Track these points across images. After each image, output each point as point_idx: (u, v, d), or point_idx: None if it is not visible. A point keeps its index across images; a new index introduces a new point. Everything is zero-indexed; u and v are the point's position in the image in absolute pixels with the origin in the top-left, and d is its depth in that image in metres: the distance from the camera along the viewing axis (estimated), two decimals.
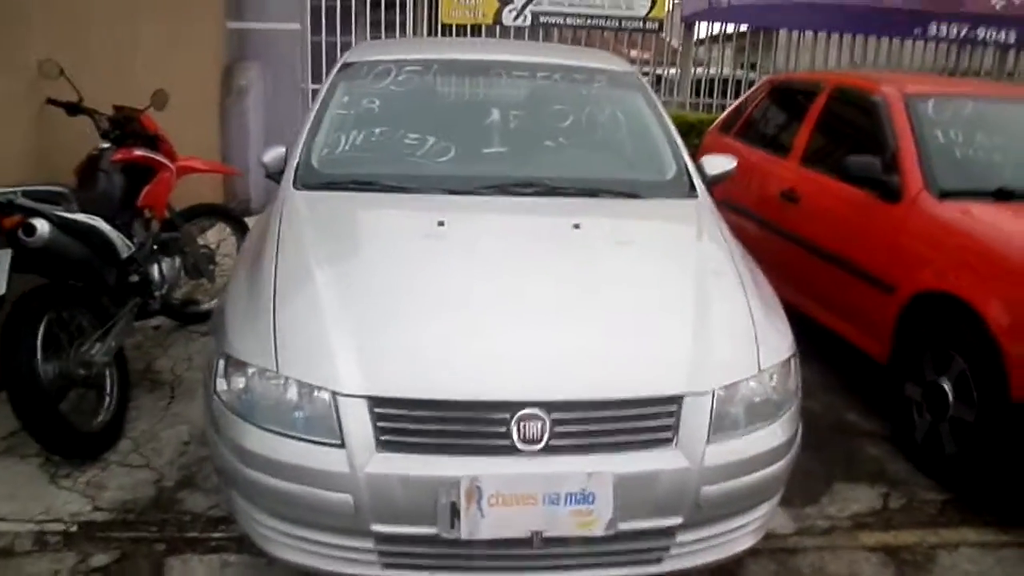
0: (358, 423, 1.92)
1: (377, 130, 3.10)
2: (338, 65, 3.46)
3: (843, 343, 3.70)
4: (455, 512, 1.88)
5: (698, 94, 8.23)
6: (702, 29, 8.95)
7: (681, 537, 2.03)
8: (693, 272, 2.40)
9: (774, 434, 2.11)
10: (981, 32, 7.84)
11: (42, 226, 2.65)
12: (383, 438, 1.92)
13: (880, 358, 3.42)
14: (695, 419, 1.99)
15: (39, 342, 2.72)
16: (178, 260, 3.92)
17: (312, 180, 2.86)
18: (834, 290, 3.75)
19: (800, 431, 2.28)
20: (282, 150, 3.05)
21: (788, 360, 2.22)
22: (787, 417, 2.17)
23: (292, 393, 1.98)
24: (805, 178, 4.08)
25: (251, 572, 2.39)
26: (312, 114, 3.16)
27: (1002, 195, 3.20)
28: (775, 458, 2.11)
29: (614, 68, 3.55)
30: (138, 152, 3.62)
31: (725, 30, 9.36)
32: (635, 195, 2.90)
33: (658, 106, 3.37)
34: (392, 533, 1.93)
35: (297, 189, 2.82)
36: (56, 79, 3.63)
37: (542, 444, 1.92)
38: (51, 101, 3.71)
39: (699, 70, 8.62)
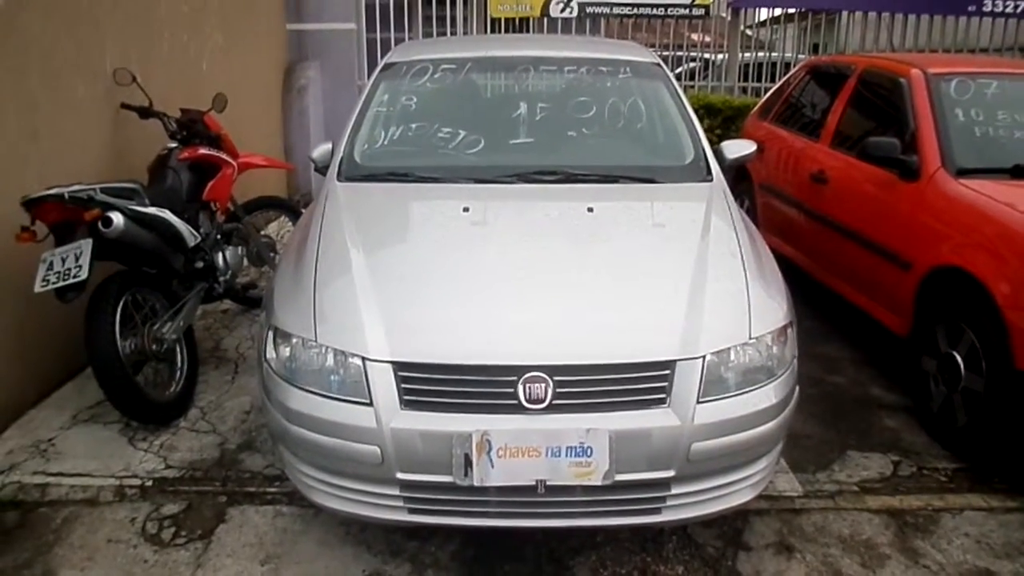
0: (384, 385, 2.19)
1: (414, 125, 3.37)
2: (380, 65, 3.74)
3: (871, 320, 3.80)
4: (468, 462, 2.13)
5: (751, 78, 8.23)
6: (762, 12, 8.91)
7: (676, 489, 2.24)
8: (696, 249, 2.59)
9: (766, 396, 2.29)
10: None
11: (118, 218, 3.00)
12: (406, 398, 2.19)
13: (900, 332, 3.52)
14: (686, 382, 2.19)
15: (117, 321, 3.08)
16: (241, 249, 4.28)
17: (353, 173, 3.14)
18: (859, 268, 3.85)
19: (796, 394, 2.46)
20: (329, 146, 3.36)
21: (783, 329, 2.40)
22: (780, 381, 2.34)
23: (329, 360, 2.26)
24: (833, 160, 4.17)
25: (300, 521, 2.70)
26: (356, 112, 3.45)
27: (1019, 172, 3.27)
28: (766, 418, 2.29)
29: (638, 59, 3.72)
30: (202, 151, 3.98)
31: (787, 11, 9.33)
32: (651, 180, 3.09)
33: (679, 94, 3.54)
34: (414, 480, 2.20)
35: (340, 181, 3.11)
36: (129, 85, 4.01)
37: (546, 403, 2.15)
38: (125, 106, 4.09)
39: (758, 54, 8.60)
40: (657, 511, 2.28)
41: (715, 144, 3.43)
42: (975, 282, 2.96)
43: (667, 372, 2.20)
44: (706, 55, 8.53)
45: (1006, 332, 2.80)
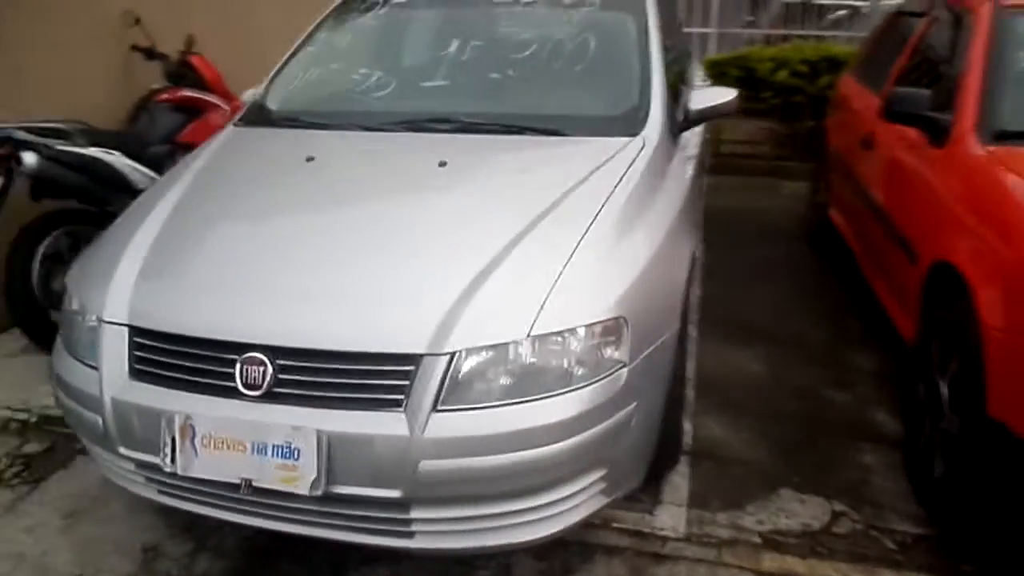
0: (114, 350, 1.97)
1: (334, 66, 3.08)
2: (338, 2, 3.45)
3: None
4: (175, 447, 1.86)
5: None
6: None
7: (420, 513, 1.82)
8: (533, 218, 2.08)
9: (549, 410, 1.79)
10: None
11: (29, 158, 3.02)
12: (137, 367, 1.95)
13: (909, 343, 2.72)
14: (429, 384, 1.76)
15: (38, 253, 3.15)
16: None
17: (254, 117, 2.92)
18: (884, 259, 3.03)
19: (633, 411, 1.92)
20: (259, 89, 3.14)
21: (604, 326, 1.86)
22: (584, 392, 1.82)
23: (78, 318, 2.08)
24: (881, 121, 3.29)
25: None
26: (288, 52, 3.20)
27: None
28: (547, 438, 1.78)
29: None
30: (184, 93, 3.95)
31: None
32: (557, 132, 2.56)
33: (649, 34, 2.91)
34: (133, 458, 1.97)
35: (236, 125, 2.90)
36: (132, 27, 4.06)
37: (262, 390, 1.82)
38: (134, 47, 4.16)
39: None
40: (409, 535, 1.87)
41: None
42: (964, 286, 2.16)
43: (409, 369, 1.77)
44: (855, 2, 7.30)
45: (982, 361, 2.01)
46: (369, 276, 1.95)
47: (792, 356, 3.40)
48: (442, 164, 2.36)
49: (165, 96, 3.90)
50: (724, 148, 6.99)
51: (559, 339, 1.82)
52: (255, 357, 1.83)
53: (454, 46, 3.00)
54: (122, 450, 1.97)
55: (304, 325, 1.85)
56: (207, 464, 1.84)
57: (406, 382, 1.77)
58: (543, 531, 1.91)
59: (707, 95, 2.85)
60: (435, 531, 1.87)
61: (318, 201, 2.30)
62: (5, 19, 3.47)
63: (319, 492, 1.77)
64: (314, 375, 1.82)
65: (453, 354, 1.76)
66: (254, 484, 1.82)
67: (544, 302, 1.83)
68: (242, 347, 1.85)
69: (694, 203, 2.75)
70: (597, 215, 2.10)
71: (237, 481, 1.83)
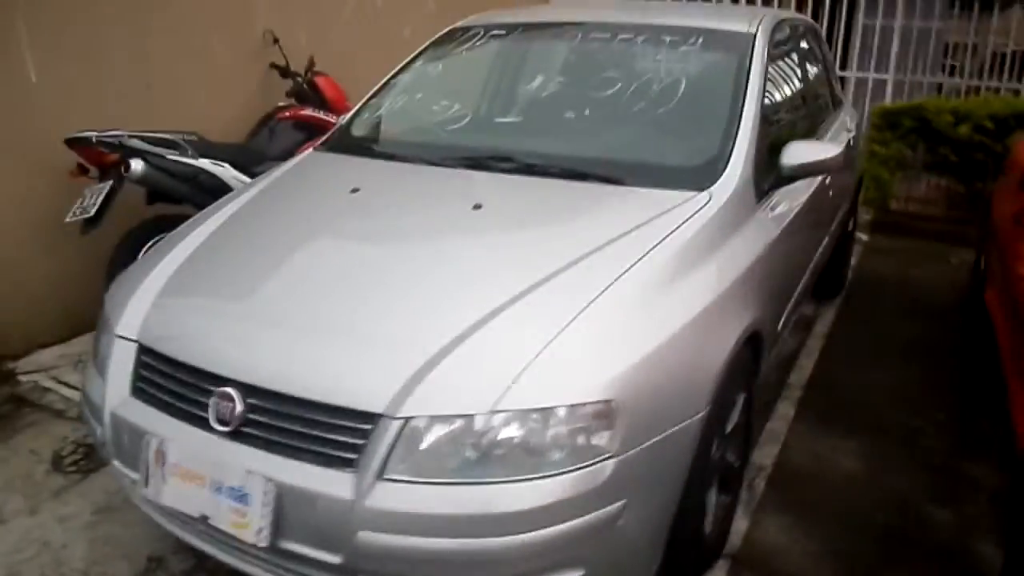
0: (119, 365, 2.01)
1: (418, 96, 3.04)
2: (442, 32, 3.43)
3: None
4: (149, 470, 1.86)
5: None
6: None
7: None
8: (543, 277, 1.89)
9: (507, 496, 1.59)
10: None
11: (136, 165, 3.23)
12: (138, 384, 1.98)
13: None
14: (379, 448, 1.62)
15: (141, 253, 3.34)
16: None
17: (335, 144, 2.93)
18: (1017, 355, 2.51)
19: (615, 511, 1.68)
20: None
21: (573, 408, 1.63)
22: (551, 481, 1.61)
23: (100, 329, 2.15)
24: None
25: None
26: (385, 78, 3.21)
27: None
28: (504, 528, 1.59)
29: (722, 28, 2.86)
30: (304, 112, 4.10)
31: None
32: (616, 181, 2.35)
33: (748, 79, 2.61)
34: (124, 474, 1.99)
35: (316, 149, 2.93)
36: (272, 46, 4.28)
37: (231, 427, 1.77)
38: (273, 65, 4.40)
39: None
40: None
41: None
42: None
43: (368, 428, 1.65)
44: None
45: None
46: (358, 322, 1.86)
47: (898, 456, 2.91)
48: (476, 207, 2.22)
49: (287, 114, 4.07)
50: (892, 204, 6.32)
51: (534, 418, 1.62)
52: (227, 392, 1.78)
53: (537, 82, 2.88)
54: (115, 463, 2.01)
55: (276, 366, 1.78)
56: (173, 493, 1.81)
57: (363, 441, 1.65)
58: None
59: (805, 150, 2.51)
60: None
61: (342, 236, 2.25)
62: (146, 33, 3.76)
63: (264, 544, 1.68)
64: (279, 419, 1.74)
65: (408, 419, 1.62)
66: (210, 522, 1.77)
67: (520, 374, 1.64)
68: (219, 379, 1.81)
69: (772, 271, 2.42)
70: (617, 279, 1.87)
71: (197, 515, 1.79)
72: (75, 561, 2.32)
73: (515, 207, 2.30)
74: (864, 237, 5.97)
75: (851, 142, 4.00)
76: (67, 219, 3.28)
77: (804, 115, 3.31)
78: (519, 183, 2.39)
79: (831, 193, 3.37)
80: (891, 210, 6.28)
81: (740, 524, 2.48)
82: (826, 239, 3.51)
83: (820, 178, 3.08)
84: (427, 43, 3.33)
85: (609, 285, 1.85)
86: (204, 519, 1.77)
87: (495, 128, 2.79)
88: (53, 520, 2.49)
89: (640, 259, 1.94)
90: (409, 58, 3.26)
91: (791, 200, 2.70)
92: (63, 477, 2.71)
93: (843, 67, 6.71)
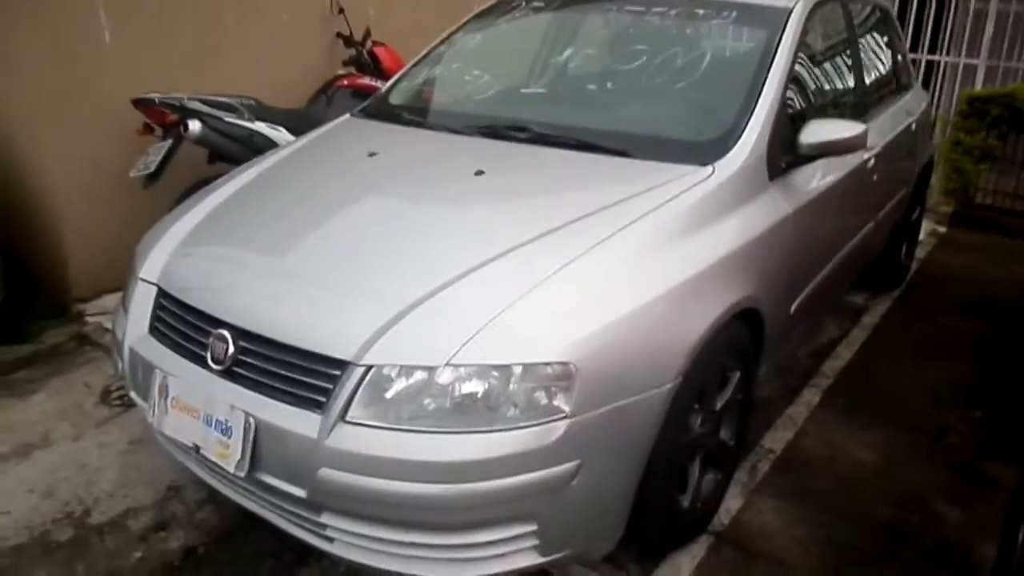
0: (140, 306, 2.20)
1: (455, 66, 3.11)
2: (487, 4, 3.48)
3: None
4: (155, 401, 2.03)
5: None
6: None
7: (332, 520, 1.80)
8: (524, 240, 1.95)
9: (460, 446, 1.67)
10: None
11: (194, 125, 3.44)
12: (155, 324, 2.16)
13: None
14: (343, 392, 1.73)
15: None
16: None
17: (372, 110, 3.04)
18: None
19: (569, 470, 1.73)
20: None
21: (530, 367, 1.69)
22: (502, 435, 1.67)
23: (131, 275, 2.34)
24: None
25: None
26: (428, 48, 3.29)
27: None
28: (454, 476, 1.67)
29: (757, 2, 2.80)
30: (362, 80, 4.23)
31: None
32: (624, 153, 2.36)
33: (776, 54, 2.55)
34: (138, 404, 2.17)
35: (353, 116, 3.05)
36: (337, 16, 4.44)
37: (224, 366, 1.92)
38: (339, 35, 4.55)
39: None
40: (328, 539, 1.86)
41: None
42: None
43: (337, 374, 1.76)
44: None
45: None
46: (342, 274, 1.97)
47: (919, 452, 2.82)
48: (479, 173, 2.29)
49: (344, 82, 4.22)
50: (977, 197, 5.98)
51: (493, 374, 1.69)
52: (222, 334, 1.92)
53: (567, 54, 2.90)
54: (132, 394, 2.20)
55: (264, 312, 1.91)
56: (172, 424, 1.98)
57: (331, 386, 1.76)
58: (461, 573, 1.79)
59: (825, 128, 2.45)
60: (351, 543, 1.83)
61: (350, 196, 2.35)
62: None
63: (242, 473, 1.82)
64: (264, 361, 1.87)
65: (370, 367, 1.71)
66: (201, 451, 1.92)
67: (481, 330, 1.71)
68: (217, 322, 1.95)
69: (781, 249, 2.38)
70: (597, 245, 1.91)
71: (190, 445, 1.95)
72: (104, 483, 2.54)
73: (516, 175, 2.35)
74: (941, 229, 5.70)
75: (913, 126, 3.84)
76: (131, 174, 3.53)
77: (851, 96, 3.20)
78: (526, 152, 2.44)
79: (876, 177, 3.25)
80: (975, 203, 5.95)
81: (733, 504, 2.47)
82: (870, 225, 3.39)
83: (859, 160, 2.99)
84: (471, 14, 3.40)
85: (588, 250, 1.89)
86: (197, 448, 1.92)
87: (519, 99, 2.83)
88: (93, 446, 2.74)
89: (624, 227, 1.97)
90: (452, 29, 3.34)
91: (815, 180, 2.63)
92: (108, 409, 2.96)
93: (932, 51, 6.37)
